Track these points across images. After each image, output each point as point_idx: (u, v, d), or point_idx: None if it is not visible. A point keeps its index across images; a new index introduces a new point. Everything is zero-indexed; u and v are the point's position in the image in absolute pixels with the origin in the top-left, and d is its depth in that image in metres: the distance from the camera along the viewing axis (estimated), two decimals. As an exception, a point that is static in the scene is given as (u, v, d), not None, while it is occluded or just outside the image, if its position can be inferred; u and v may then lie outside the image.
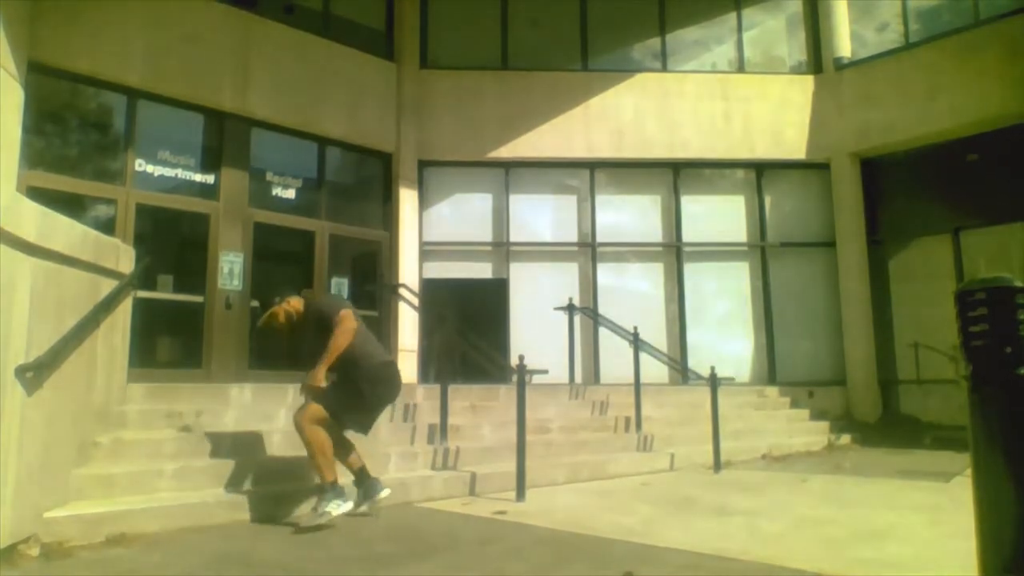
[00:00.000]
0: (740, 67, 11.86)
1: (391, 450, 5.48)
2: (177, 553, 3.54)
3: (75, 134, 8.23)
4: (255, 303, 8.38)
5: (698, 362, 9.84)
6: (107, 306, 4.62)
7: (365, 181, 10.84)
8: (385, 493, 4.49)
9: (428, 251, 10.85)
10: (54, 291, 3.80)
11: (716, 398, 7.31)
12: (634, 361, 8.01)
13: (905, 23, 11.22)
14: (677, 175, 11.37)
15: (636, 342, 8.15)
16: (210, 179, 8.95)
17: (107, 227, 7.73)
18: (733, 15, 11.97)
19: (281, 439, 5.25)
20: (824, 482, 6.24)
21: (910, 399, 10.53)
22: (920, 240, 10.79)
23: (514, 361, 5.52)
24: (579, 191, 11.35)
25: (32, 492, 3.51)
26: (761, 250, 11.32)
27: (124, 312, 5.28)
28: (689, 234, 11.24)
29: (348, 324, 4.36)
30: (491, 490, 5.46)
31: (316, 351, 4.38)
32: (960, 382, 2.66)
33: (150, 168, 8.48)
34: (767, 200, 11.47)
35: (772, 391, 10.47)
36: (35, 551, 3.43)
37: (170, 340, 8.64)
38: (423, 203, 10.92)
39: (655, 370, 9.54)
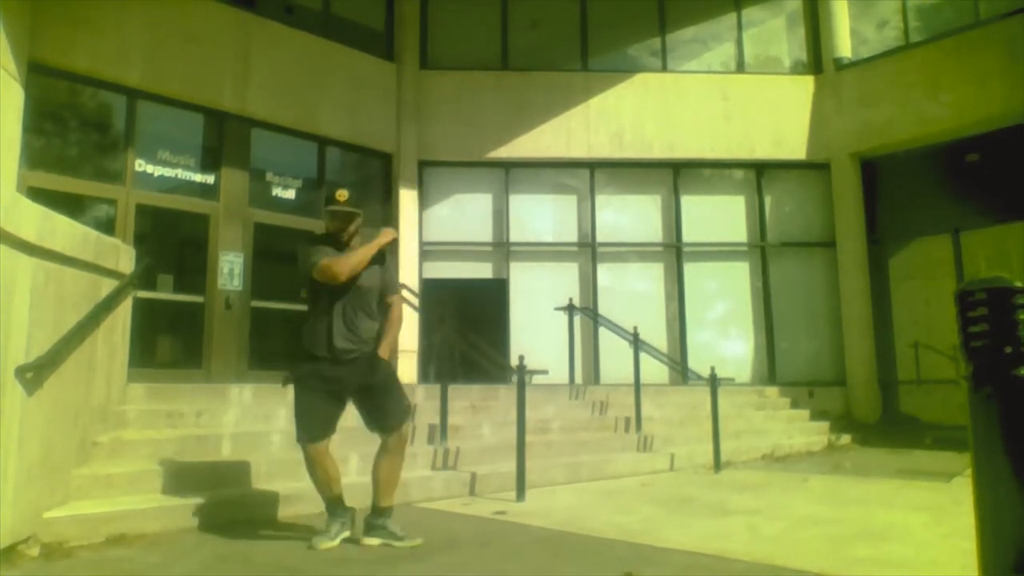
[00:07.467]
0: (740, 67, 11.86)
1: (391, 450, 5.47)
2: (177, 553, 3.54)
3: (75, 134, 8.23)
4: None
5: (698, 362, 9.85)
6: (107, 306, 4.62)
7: (365, 181, 10.83)
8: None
9: (428, 251, 10.85)
10: (54, 291, 3.80)
11: (716, 398, 7.31)
12: (634, 361, 8.01)
13: (905, 22, 11.21)
14: (677, 175, 11.36)
15: (636, 342, 8.15)
16: (210, 179, 8.95)
17: (107, 227, 7.74)
18: (733, 15, 11.96)
19: (281, 439, 5.25)
20: (824, 482, 6.24)
21: (910, 399, 10.52)
22: (920, 240, 10.78)
23: (514, 361, 5.52)
24: (579, 191, 11.35)
25: (32, 492, 3.51)
26: (761, 250, 11.32)
27: (124, 312, 5.28)
28: (689, 234, 11.24)
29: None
30: (491, 490, 5.46)
31: (363, 303, 3.86)
32: (960, 382, 2.66)
33: (150, 168, 8.49)
34: (767, 200, 11.47)
35: (772, 391, 10.46)
36: (35, 551, 3.43)
37: (170, 340, 8.65)
38: (423, 203, 10.91)
39: (655, 370, 9.54)
